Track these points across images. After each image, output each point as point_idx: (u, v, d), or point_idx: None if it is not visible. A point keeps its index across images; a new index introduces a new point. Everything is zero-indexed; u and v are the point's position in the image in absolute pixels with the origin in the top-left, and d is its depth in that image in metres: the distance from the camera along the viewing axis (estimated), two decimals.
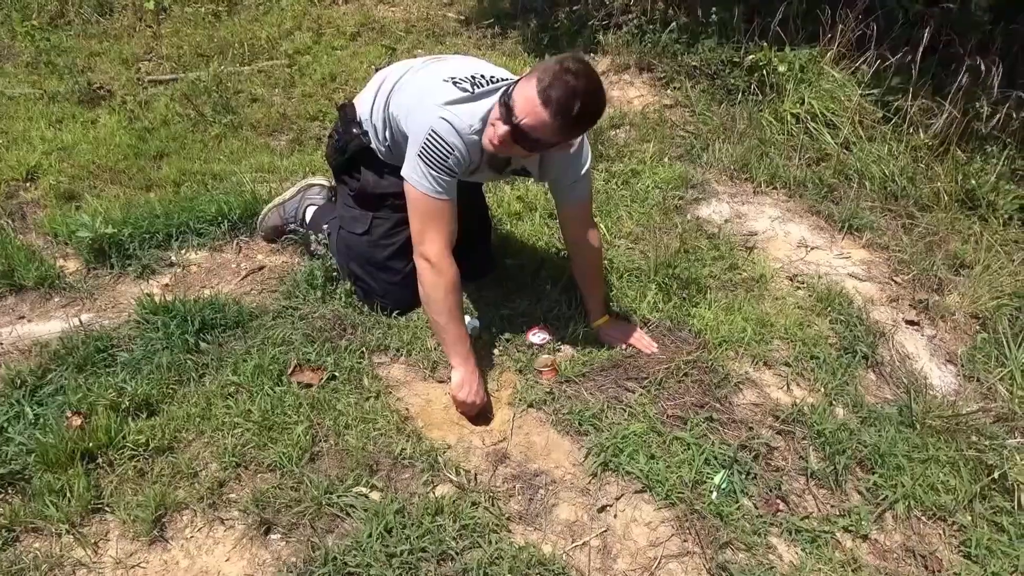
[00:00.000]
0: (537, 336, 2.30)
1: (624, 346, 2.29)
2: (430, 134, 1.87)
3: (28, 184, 3.10)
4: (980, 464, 2.02)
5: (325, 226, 2.47)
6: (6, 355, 2.20)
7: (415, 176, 1.90)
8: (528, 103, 1.75)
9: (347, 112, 2.26)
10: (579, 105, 1.75)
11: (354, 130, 2.22)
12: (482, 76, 1.99)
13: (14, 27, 4.36)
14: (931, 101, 3.52)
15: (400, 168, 2.03)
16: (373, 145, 2.21)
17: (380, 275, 2.33)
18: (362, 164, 2.25)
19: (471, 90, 1.93)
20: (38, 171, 3.15)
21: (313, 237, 2.51)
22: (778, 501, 1.88)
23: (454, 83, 1.95)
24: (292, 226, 2.65)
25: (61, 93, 3.82)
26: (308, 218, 2.62)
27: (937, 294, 2.78)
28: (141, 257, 2.62)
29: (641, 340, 2.30)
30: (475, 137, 1.92)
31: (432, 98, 1.92)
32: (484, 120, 1.91)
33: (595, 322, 2.34)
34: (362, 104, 2.23)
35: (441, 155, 1.87)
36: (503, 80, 2.01)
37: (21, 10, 4.58)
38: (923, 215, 3.19)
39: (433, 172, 1.88)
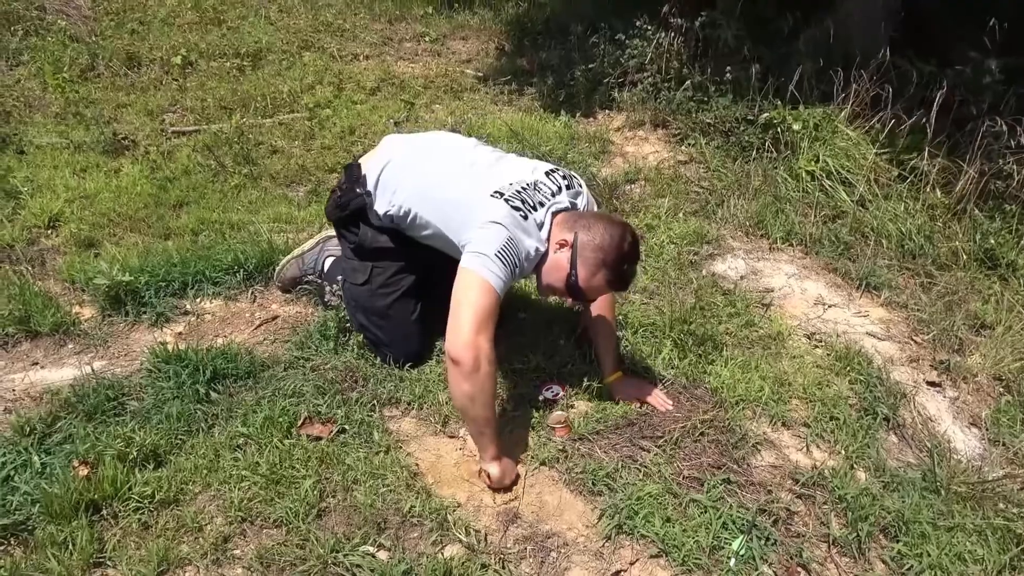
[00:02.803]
0: (550, 392, 2.27)
1: (638, 403, 2.25)
2: (509, 241, 1.92)
3: (49, 231, 3.14)
4: (1008, 533, 1.95)
5: (340, 277, 2.48)
6: (18, 402, 2.20)
7: (489, 269, 1.87)
8: (596, 287, 2.03)
9: (353, 172, 2.30)
10: (630, 282, 2.11)
11: (357, 190, 2.25)
12: (523, 184, 2.08)
13: (46, 79, 4.48)
14: (947, 160, 3.52)
15: (398, 234, 2.24)
16: (375, 209, 2.23)
17: (384, 324, 2.33)
18: (360, 220, 2.28)
19: (523, 208, 2.01)
20: (60, 219, 3.20)
21: (328, 288, 2.51)
22: (799, 569, 1.81)
23: (506, 200, 2.00)
24: (310, 277, 2.66)
25: (87, 143, 3.90)
26: (326, 269, 2.63)
27: (958, 355, 2.73)
28: (156, 305, 2.62)
29: (656, 397, 2.26)
30: (526, 265, 2.02)
31: (493, 215, 1.96)
32: (536, 253, 2.03)
33: (608, 378, 2.31)
34: (369, 170, 2.26)
35: (513, 261, 1.92)
36: (535, 185, 2.10)
37: (53, 63, 4.71)
38: (941, 274, 3.16)
39: (506, 273, 1.90)
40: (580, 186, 2.23)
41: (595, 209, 2.28)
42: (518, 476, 2.00)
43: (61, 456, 1.94)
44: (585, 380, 2.30)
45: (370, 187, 2.23)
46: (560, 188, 2.15)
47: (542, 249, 2.03)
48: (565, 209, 2.11)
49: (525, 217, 2.00)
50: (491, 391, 1.89)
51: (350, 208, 2.26)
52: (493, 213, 1.95)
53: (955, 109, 3.64)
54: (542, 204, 2.06)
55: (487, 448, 1.94)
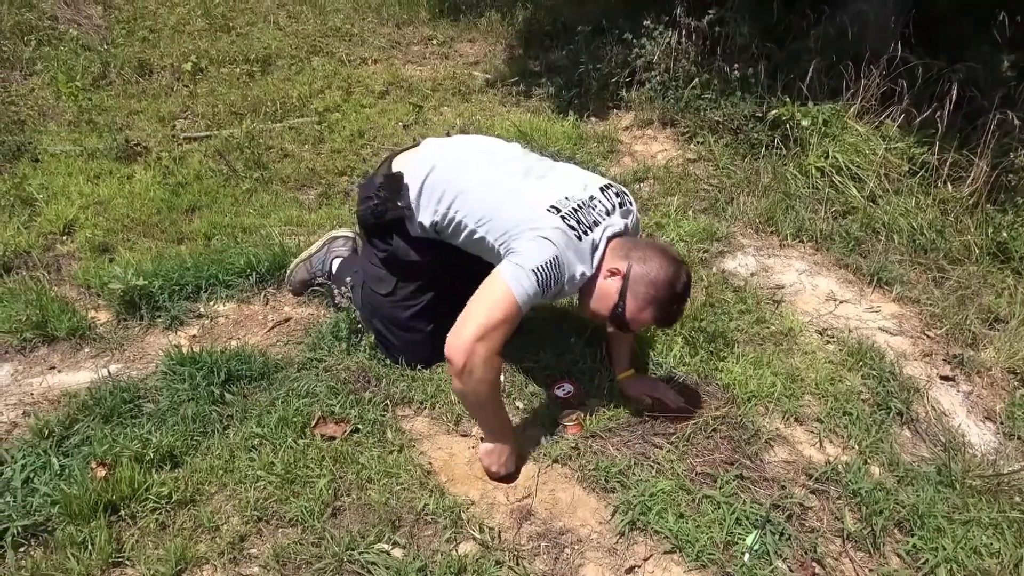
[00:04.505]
0: (562, 390, 2.27)
1: (649, 400, 2.25)
2: (554, 260, 1.85)
3: (65, 237, 3.18)
4: None
5: (348, 279, 2.48)
6: (36, 405, 2.22)
7: (520, 282, 1.81)
8: (641, 321, 2.01)
9: (397, 183, 2.16)
10: (677, 321, 2.11)
11: (399, 203, 2.15)
12: (580, 201, 2.01)
13: (59, 88, 4.53)
14: (958, 155, 3.50)
15: (432, 244, 2.17)
16: (419, 221, 2.15)
17: (402, 334, 2.33)
18: (395, 232, 2.21)
19: (578, 228, 1.94)
20: (75, 225, 3.23)
21: (336, 290, 2.53)
22: (814, 564, 1.81)
23: (562, 217, 1.93)
24: (319, 279, 2.68)
25: (100, 150, 3.93)
26: (334, 270, 2.65)
27: (971, 349, 2.71)
28: (170, 308, 2.65)
29: (667, 394, 2.26)
30: (566, 288, 1.96)
31: (544, 230, 1.89)
32: (582, 278, 1.96)
33: (620, 375, 2.31)
34: (411, 180, 2.15)
35: (548, 281, 1.85)
36: (591, 201, 2.04)
37: (66, 72, 4.76)
38: (953, 268, 3.15)
39: (537, 288, 1.83)
40: (631, 204, 2.15)
41: (640, 228, 2.25)
42: (517, 469, 2.03)
43: (79, 458, 1.96)
44: (597, 378, 2.31)
45: (412, 198, 2.13)
46: (614, 207, 2.08)
47: (589, 274, 1.97)
48: (619, 233, 2.05)
49: (580, 238, 1.93)
50: (486, 394, 1.86)
51: (387, 218, 2.18)
52: (545, 227, 1.89)
53: (966, 104, 3.62)
54: (597, 224, 1.99)
55: (493, 436, 1.98)
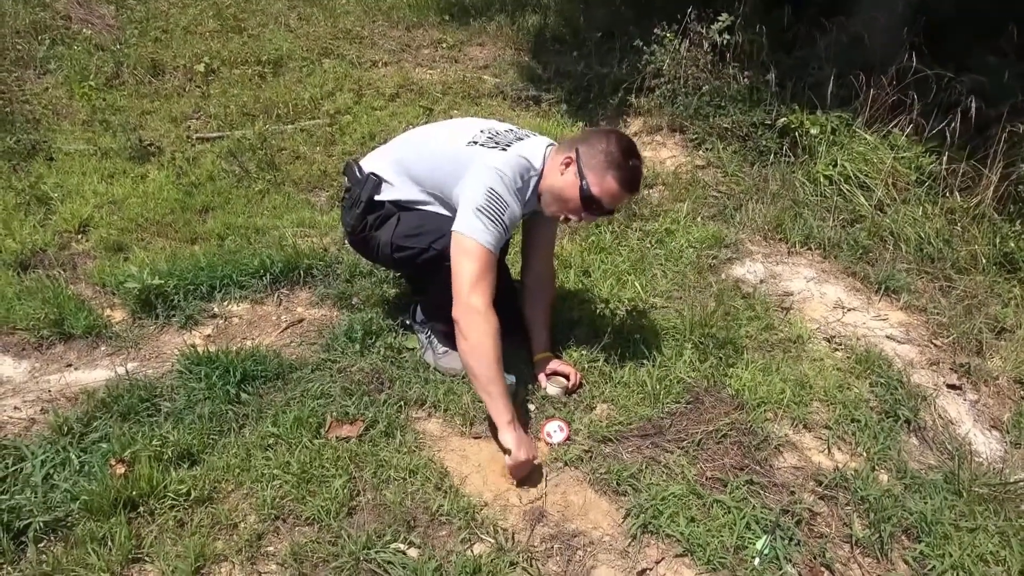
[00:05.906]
0: (555, 432, 2.18)
1: (565, 379, 2.33)
2: (490, 192, 1.99)
3: (80, 236, 3.21)
4: None
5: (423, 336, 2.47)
6: (54, 402, 2.25)
7: (476, 229, 1.97)
8: (608, 191, 2.07)
9: (348, 168, 2.36)
10: (640, 178, 2.15)
11: (358, 176, 2.30)
12: (493, 130, 2.21)
13: (72, 87, 4.58)
14: (966, 164, 3.52)
15: (411, 191, 2.24)
16: (381, 185, 2.25)
17: (424, 224, 2.25)
18: (377, 202, 2.25)
19: (498, 147, 2.11)
20: (90, 223, 3.27)
21: (422, 334, 2.48)
22: (823, 569, 1.83)
23: (480, 144, 2.12)
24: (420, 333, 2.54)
25: (114, 149, 3.97)
26: (419, 315, 2.52)
27: (978, 358, 2.74)
28: (185, 308, 2.68)
29: (575, 377, 2.34)
30: (519, 195, 2.07)
31: (481, 160, 2.06)
32: (523, 177, 2.09)
33: (538, 355, 2.41)
34: (372, 167, 2.30)
35: (499, 210, 2.00)
36: (509, 130, 2.24)
37: (79, 71, 4.81)
38: (960, 278, 3.17)
39: (493, 227, 1.98)
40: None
41: None
42: (539, 467, 2.05)
43: (98, 455, 1.98)
44: (609, 383, 2.33)
45: (379, 173, 2.27)
46: (531, 134, 2.26)
47: (537, 166, 2.13)
48: (551, 144, 2.22)
49: (504, 150, 2.10)
50: (489, 346, 1.95)
51: (364, 198, 2.24)
52: (470, 162, 2.07)
53: (975, 114, 3.64)
54: (520, 140, 2.18)
55: (499, 413, 1.98)
